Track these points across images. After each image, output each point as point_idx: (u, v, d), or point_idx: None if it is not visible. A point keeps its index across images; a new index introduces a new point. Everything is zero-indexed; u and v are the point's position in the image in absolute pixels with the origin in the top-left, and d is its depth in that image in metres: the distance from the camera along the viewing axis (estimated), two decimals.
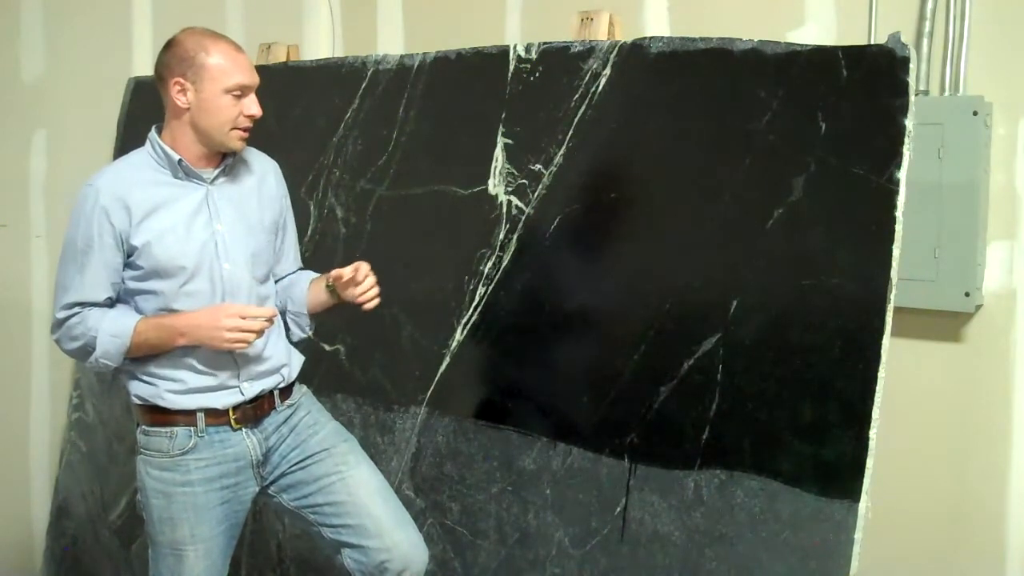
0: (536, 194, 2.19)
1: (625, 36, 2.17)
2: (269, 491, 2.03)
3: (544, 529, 2.11)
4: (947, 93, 2.20)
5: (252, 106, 1.90)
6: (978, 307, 2.19)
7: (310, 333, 2.13)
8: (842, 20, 2.32)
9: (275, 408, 2.01)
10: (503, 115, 2.26)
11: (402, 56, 2.49)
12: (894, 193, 1.69)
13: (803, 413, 1.77)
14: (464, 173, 2.31)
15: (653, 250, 2.01)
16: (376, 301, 2.03)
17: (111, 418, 2.95)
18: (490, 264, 2.24)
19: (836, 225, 1.77)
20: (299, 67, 2.74)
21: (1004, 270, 2.18)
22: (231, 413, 1.94)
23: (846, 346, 1.72)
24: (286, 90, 2.67)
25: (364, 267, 2.00)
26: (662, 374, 1.94)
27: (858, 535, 1.67)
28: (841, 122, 1.77)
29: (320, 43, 3.27)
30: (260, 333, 1.89)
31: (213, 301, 1.91)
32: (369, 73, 2.54)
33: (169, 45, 1.92)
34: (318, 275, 2.12)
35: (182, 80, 1.88)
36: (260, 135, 2.03)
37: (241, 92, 1.89)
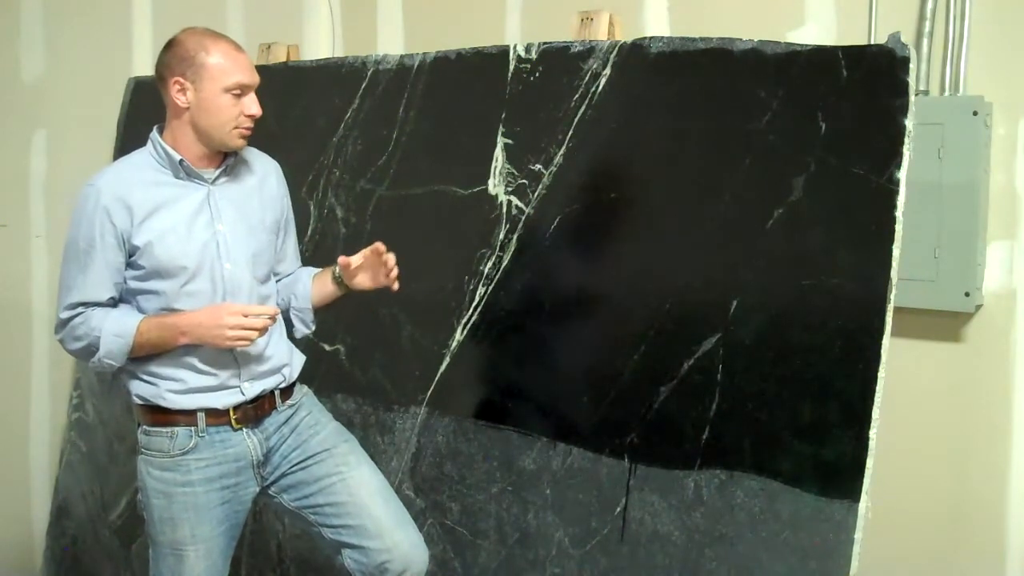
0: (536, 194, 2.19)
1: (625, 36, 2.17)
2: (270, 491, 2.03)
3: (544, 529, 2.11)
4: (947, 93, 2.20)
5: (252, 105, 1.91)
6: (978, 307, 2.19)
7: (314, 328, 2.12)
8: (842, 20, 2.32)
9: (276, 408, 2.01)
10: (503, 115, 2.26)
11: (402, 56, 2.49)
12: (894, 193, 1.69)
13: (803, 413, 1.77)
14: (464, 173, 2.31)
15: (653, 250, 2.01)
16: (397, 284, 2.03)
17: (111, 418, 2.95)
18: (490, 264, 2.24)
19: (836, 225, 1.77)
20: (299, 67, 2.74)
21: (1004, 270, 2.18)
22: (232, 413, 1.95)
23: (846, 346, 1.72)
24: (286, 90, 2.67)
25: (381, 246, 2.00)
26: (662, 374, 1.94)
27: (858, 535, 1.67)
28: (841, 122, 1.77)
29: (320, 43, 3.27)
30: (262, 332, 1.89)
31: (214, 301, 1.91)
32: (369, 73, 2.54)
33: (170, 45, 1.93)
34: (319, 270, 2.12)
35: (182, 80, 1.88)
36: (260, 135, 2.03)
37: (241, 91, 1.89)
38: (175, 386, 1.92)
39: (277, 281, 2.13)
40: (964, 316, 2.21)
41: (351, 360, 2.48)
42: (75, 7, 3.06)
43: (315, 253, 2.52)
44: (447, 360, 2.30)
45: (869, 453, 1.68)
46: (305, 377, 2.11)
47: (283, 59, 2.84)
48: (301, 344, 2.15)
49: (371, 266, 2.03)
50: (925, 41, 2.22)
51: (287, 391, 2.04)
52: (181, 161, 1.91)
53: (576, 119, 2.14)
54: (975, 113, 2.11)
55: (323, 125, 2.60)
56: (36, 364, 3.15)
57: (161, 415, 1.93)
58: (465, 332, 2.27)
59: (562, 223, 2.15)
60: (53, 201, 3.09)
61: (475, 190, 2.29)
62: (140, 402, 1.95)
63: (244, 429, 1.96)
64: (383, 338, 2.41)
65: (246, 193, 2.00)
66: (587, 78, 2.13)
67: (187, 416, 1.92)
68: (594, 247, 2.11)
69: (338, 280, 2.06)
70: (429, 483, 2.31)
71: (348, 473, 2.01)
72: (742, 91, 1.89)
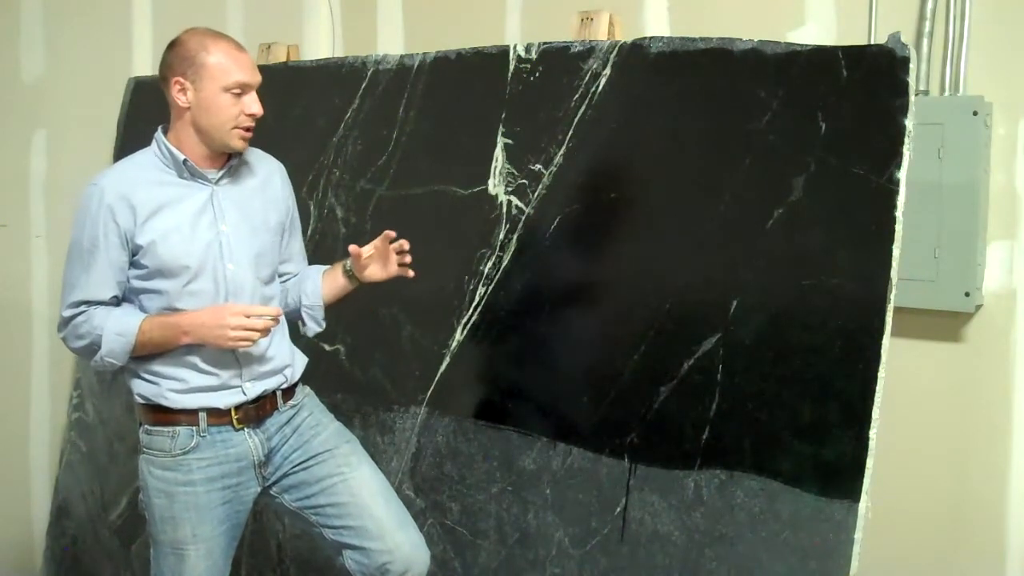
0: (536, 194, 2.19)
1: (625, 36, 2.17)
2: (271, 492, 2.03)
3: (544, 529, 2.11)
4: (947, 93, 2.20)
5: (253, 105, 1.91)
6: (978, 307, 2.19)
7: (324, 326, 2.12)
8: (842, 20, 2.32)
9: (278, 409, 2.01)
10: (503, 115, 2.26)
11: (402, 56, 2.49)
12: (894, 193, 1.69)
13: (803, 413, 1.77)
14: (464, 173, 2.31)
15: (653, 250, 2.01)
16: (411, 272, 2.04)
17: (111, 418, 2.95)
18: (490, 264, 2.24)
19: (836, 225, 1.77)
20: (299, 67, 2.74)
21: (1004, 270, 2.18)
22: (233, 413, 1.95)
23: (846, 346, 1.72)
24: (286, 90, 2.67)
25: (391, 233, 2.01)
26: (662, 374, 1.94)
27: (858, 535, 1.67)
28: (841, 122, 1.77)
29: (320, 43, 3.27)
30: (265, 332, 1.90)
31: (216, 301, 1.92)
32: (369, 73, 2.54)
33: (172, 45, 1.93)
34: (328, 267, 2.12)
35: (182, 79, 1.89)
36: (260, 135, 2.03)
37: (241, 91, 1.89)
38: (177, 385, 1.92)
39: (285, 281, 2.13)
40: (964, 316, 2.21)
41: (351, 360, 2.48)
42: (75, 7, 3.06)
43: (315, 253, 2.51)
44: (447, 360, 2.30)
45: (869, 453, 1.68)
46: (305, 377, 2.11)
47: (283, 59, 2.84)
48: (301, 344, 2.15)
49: (381, 256, 2.03)
50: (925, 41, 2.22)
51: (289, 392, 2.04)
52: (185, 161, 1.92)
53: (576, 119, 2.14)
54: (975, 113, 2.11)
55: (323, 125, 2.60)
56: (36, 364, 3.16)
57: (163, 414, 1.93)
58: (465, 332, 2.27)
59: (562, 223, 2.15)
60: (53, 201, 3.09)
61: (475, 190, 2.29)
62: (142, 401, 1.96)
63: (246, 429, 1.96)
64: (383, 338, 2.41)
65: (250, 194, 2.00)
66: (587, 78, 2.13)
67: (189, 416, 1.92)
68: (594, 247, 2.11)
69: (349, 273, 2.06)
70: (429, 483, 2.31)
71: (350, 474, 2.01)
72: (742, 91, 1.89)
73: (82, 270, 1.90)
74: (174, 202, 1.91)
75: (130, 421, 2.88)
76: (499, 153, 2.26)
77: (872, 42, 2.18)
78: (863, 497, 1.67)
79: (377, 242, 2.02)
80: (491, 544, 2.20)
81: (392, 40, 3.11)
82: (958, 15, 2.18)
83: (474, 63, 2.34)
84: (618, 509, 1.99)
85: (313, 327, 2.11)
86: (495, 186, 2.26)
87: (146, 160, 1.95)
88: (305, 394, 2.09)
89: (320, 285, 2.09)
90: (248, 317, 1.87)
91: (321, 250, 2.53)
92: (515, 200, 2.22)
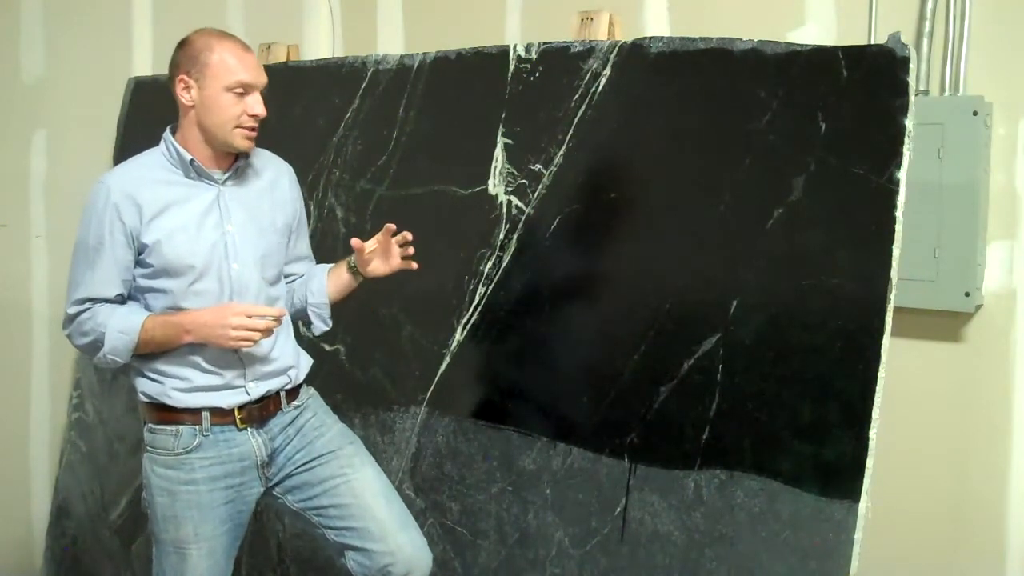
0: (536, 194, 2.19)
1: (625, 36, 2.17)
2: (274, 492, 2.04)
3: (544, 529, 2.11)
4: (947, 93, 2.20)
5: (256, 105, 1.91)
6: (978, 307, 2.19)
7: (331, 325, 2.12)
8: (842, 20, 2.32)
9: (281, 409, 2.01)
10: (503, 115, 2.26)
11: (402, 56, 2.49)
12: (894, 193, 1.69)
13: (803, 413, 1.77)
14: (464, 173, 2.31)
15: (653, 250, 2.01)
16: (414, 265, 2.05)
17: (111, 418, 2.95)
18: (490, 264, 2.24)
19: (836, 225, 1.76)
20: (299, 67, 2.74)
21: (1004, 270, 2.18)
22: (236, 413, 1.95)
23: (846, 346, 1.72)
24: (286, 90, 2.67)
25: (392, 226, 2.02)
26: (662, 374, 1.94)
27: (858, 535, 1.67)
28: (841, 122, 1.77)
29: (320, 43, 3.27)
30: (268, 333, 1.90)
31: (221, 301, 1.92)
32: (369, 73, 2.54)
33: (180, 44, 1.94)
34: (333, 264, 2.12)
35: (186, 78, 1.90)
36: (261, 135, 2.03)
37: (244, 90, 1.89)
38: (180, 384, 1.92)
39: (292, 281, 2.14)
40: (964, 316, 2.21)
41: (351, 360, 2.48)
42: (75, 7, 3.06)
43: (315, 253, 2.50)
44: (447, 360, 2.30)
45: (869, 453, 1.68)
46: (306, 377, 2.11)
47: (283, 59, 2.84)
48: (303, 344, 2.15)
49: (384, 250, 2.04)
50: (925, 41, 2.22)
51: (293, 392, 2.04)
52: (192, 161, 1.92)
53: (576, 119, 2.14)
54: (975, 113, 2.11)
55: (323, 125, 2.60)
56: (36, 364, 3.15)
57: (166, 413, 1.94)
58: (465, 332, 2.27)
59: (562, 223, 2.15)
60: (53, 201, 3.09)
61: (475, 190, 2.29)
62: (146, 400, 1.96)
63: (249, 429, 1.96)
64: (383, 338, 2.41)
65: (257, 194, 2.01)
66: (587, 78, 2.13)
67: (192, 415, 1.93)
68: (594, 247, 2.11)
69: (353, 269, 2.07)
70: (429, 483, 2.31)
71: (353, 475, 2.01)
72: (742, 91, 1.89)
73: (87, 268, 1.91)
74: (180, 202, 1.92)
75: (130, 421, 2.88)
76: (499, 153, 2.26)
77: (872, 42, 2.18)
78: (863, 497, 1.67)
79: (379, 236, 2.02)
80: (491, 544, 2.20)
81: (392, 40, 3.11)
82: (958, 15, 2.18)
83: (474, 63, 2.34)
84: (618, 509, 1.99)
85: (320, 325, 2.11)
86: (495, 186, 2.26)
87: (153, 159, 1.96)
88: (309, 395, 2.09)
89: (326, 283, 2.09)
90: (250, 317, 1.87)
91: (321, 250, 2.52)
92: (515, 200, 2.22)
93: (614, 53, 2.10)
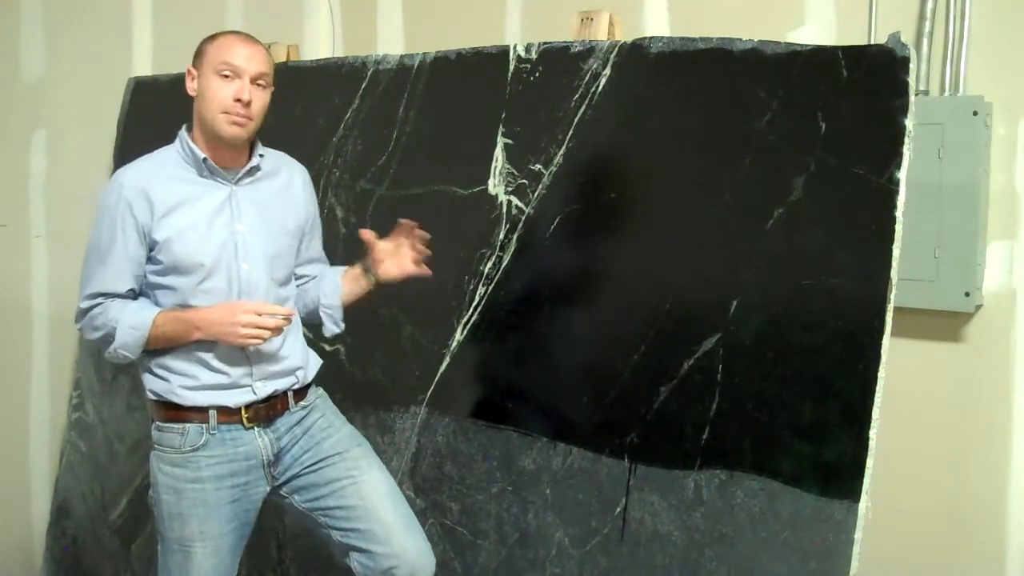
0: (536, 194, 2.19)
1: (625, 36, 2.17)
2: (281, 492, 2.04)
3: (544, 529, 2.11)
4: (947, 93, 2.20)
5: (242, 91, 1.90)
6: (978, 307, 2.19)
7: (343, 327, 2.12)
8: (842, 20, 2.33)
9: (288, 409, 2.02)
10: (503, 115, 2.26)
11: (402, 56, 2.49)
12: (894, 193, 1.69)
13: (803, 413, 1.77)
14: (464, 173, 2.31)
15: (653, 250, 2.01)
16: (428, 270, 2.06)
17: (111, 418, 2.95)
18: (490, 264, 2.24)
19: (836, 225, 1.76)
20: (299, 67, 2.74)
21: (1004, 270, 2.18)
22: (243, 412, 1.96)
23: (846, 346, 1.72)
24: (286, 90, 2.66)
25: (407, 223, 2.03)
26: (662, 374, 1.94)
27: (858, 535, 1.67)
28: (841, 122, 1.77)
29: (320, 43, 3.27)
30: (277, 332, 1.90)
31: (230, 300, 1.93)
32: (369, 73, 2.54)
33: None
34: (347, 267, 2.13)
35: (192, 69, 1.95)
36: (261, 135, 2.03)
37: (230, 73, 1.90)
38: (187, 382, 1.93)
39: (304, 283, 2.14)
40: (964, 316, 2.21)
41: (351, 360, 2.48)
42: (75, 7, 3.06)
43: None
44: (447, 360, 2.30)
45: (869, 453, 1.68)
46: (314, 378, 2.11)
47: (283, 59, 2.84)
48: (312, 328, 2.15)
49: (395, 252, 2.05)
50: (925, 41, 2.22)
51: (300, 392, 2.05)
52: (204, 159, 1.94)
53: (576, 119, 2.14)
54: (975, 113, 2.11)
55: (323, 125, 2.60)
56: (36, 364, 3.16)
57: (173, 411, 1.94)
58: (465, 332, 2.27)
59: (562, 223, 2.15)
60: (53, 201, 3.09)
61: (475, 190, 2.29)
62: (153, 398, 1.97)
63: (255, 428, 1.97)
64: (383, 338, 2.41)
65: (269, 195, 2.02)
66: (587, 78, 2.13)
67: (199, 413, 1.94)
68: (594, 247, 2.11)
69: (367, 271, 2.07)
70: (429, 483, 2.31)
71: (359, 477, 2.02)
72: (742, 91, 1.89)
73: (99, 263, 1.92)
74: (192, 200, 1.93)
75: (130, 421, 2.88)
76: (499, 153, 2.26)
77: (872, 42, 2.18)
78: (863, 497, 1.67)
79: (393, 235, 2.03)
80: (491, 544, 2.20)
81: (392, 40, 3.11)
82: (958, 15, 2.18)
83: (474, 63, 2.34)
84: (618, 509, 1.99)
85: (331, 327, 2.11)
86: (495, 186, 2.26)
87: (168, 157, 1.97)
88: (317, 395, 2.10)
89: (339, 285, 2.10)
90: (260, 315, 1.88)
91: None
92: (515, 200, 2.22)
93: (614, 53, 2.10)
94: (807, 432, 1.76)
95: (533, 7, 2.80)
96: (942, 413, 2.25)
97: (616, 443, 2.00)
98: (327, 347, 2.50)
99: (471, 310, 2.25)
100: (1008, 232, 2.18)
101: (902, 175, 1.69)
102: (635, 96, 2.07)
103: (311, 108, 2.64)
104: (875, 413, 1.68)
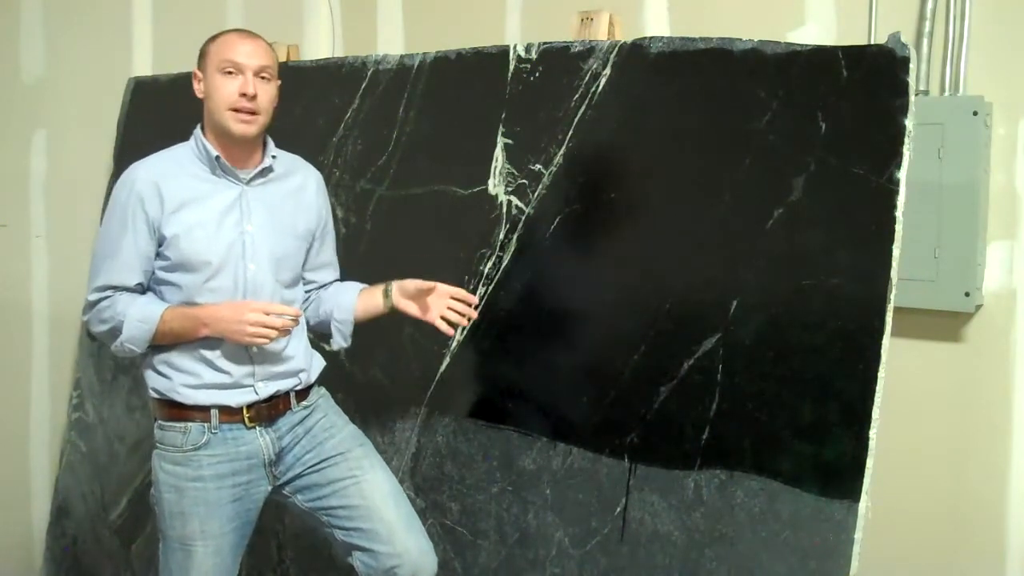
0: (536, 194, 2.19)
1: (625, 36, 2.17)
2: (283, 491, 2.04)
3: (544, 529, 2.11)
4: (947, 93, 2.20)
5: (245, 85, 1.91)
6: (978, 307, 2.19)
7: (350, 343, 2.13)
8: (842, 20, 2.33)
9: (290, 409, 2.02)
10: (503, 115, 2.26)
11: (402, 56, 2.49)
12: (894, 193, 1.69)
13: (803, 413, 1.77)
14: (464, 173, 2.31)
15: (653, 250, 2.01)
16: (451, 330, 2.04)
17: (111, 418, 2.95)
18: (490, 264, 2.24)
19: (836, 225, 1.76)
20: (299, 67, 2.74)
21: (1004, 270, 2.18)
22: (245, 411, 1.96)
23: (846, 346, 1.72)
24: (286, 90, 2.66)
25: (472, 299, 2.03)
26: (662, 374, 1.94)
27: (858, 535, 1.67)
28: (841, 122, 1.77)
29: (320, 43, 3.27)
30: (284, 332, 1.91)
31: (235, 299, 1.94)
32: (369, 73, 2.54)
33: None
34: (366, 285, 2.13)
35: (198, 71, 1.97)
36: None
37: (233, 69, 1.91)
38: (189, 380, 1.93)
39: (314, 289, 2.15)
40: (964, 316, 2.21)
41: (351, 360, 2.48)
42: (75, 7, 3.06)
43: None
44: (447, 360, 2.30)
45: (869, 453, 1.68)
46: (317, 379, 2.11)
47: (283, 59, 2.84)
48: (319, 337, 2.15)
49: (434, 298, 2.03)
50: (925, 41, 2.22)
51: (303, 393, 2.05)
52: (217, 158, 1.95)
53: (576, 119, 2.14)
54: (975, 113, 2.11)
55: (323, 125, 2.60)
56: (36, 364, 3.15)
57: (175, 410, 1.95)
58: (465, 332, 2.27)
59: (562, 223, 2.15)
60: (53, 201, 3.09)
61: (475, 190, 2.29)
62: (156, 396, 1.98)
63: (257, 427, 1.97)
64: (383, 338, 2.41)
65: (281, 197, 2.02)
66: (587, 78, 2.13)
67: (201, 412, 1.94)
68: (594, 247, 2.11)
69: (387, 296, 2.07)
70: (429, 483, 2.31)
71: (362, 477, 2.02)
72: (742, 91, 1.89)
73: (109, 255, 1.93)
74: (203, 198, 1.93)
75: (130, 421, 2.88)
76: (499, 153, 2.26)
77: (872, 42, 2.18)
78: (863, 497, 1.67)
79: (440, 286, 2.02)
80: (491, 544, 2.20)
81: (392, 40, 3.11)
82: (958, 15, 2.18)
83: (474, 63, 2.34)
84: (618, 509, 1.99)
85: (340, 341, 2.12)
86: (495, 186, 2.26)
87: (182, 154, 1.98)
88: (320, 395, 2.10)
89: (355, 302, 2.10)
90: (267, 315, 1.88)
91: None
92: (515, 200, 2.22)
93: (614, 53, 2.10)
94: (807, 432, 1.76)
95: (533, 7, 2.80)
96: (942, 413, 2.25)
97: (616, 443, 2.00)
98: (327, 347, 2.49)
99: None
100: (1008, 232, 2.18)
101: (902, 175, 1.69)
102: (635, 96, 2.07)
103: (311, 108, 2.64)
104: (875, 413, 1.68)
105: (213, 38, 1.97)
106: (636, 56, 2.07)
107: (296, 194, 2.06)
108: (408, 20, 3.08)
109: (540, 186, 2.18)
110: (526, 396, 2.18)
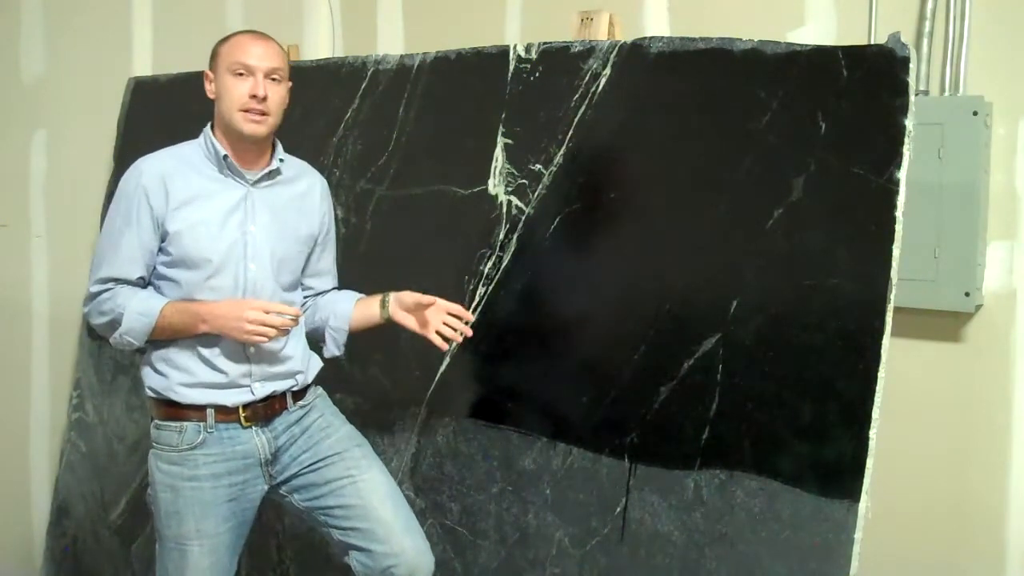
0: (536, 194, 2.19)
1: (625, 36, 2.17)
2: (280, 491, 2.05)
3: (544, 529, 2.11)
4: (947, 93, 2.21)
5: (256, 87, 1.92)
6: (978, 307, 2.19)
7: (343, 352, 2.14)
8: (842, 20, 2.33)
9: (287, 408, 2.02)
10: (503, 115, 2.26)
11: (402, 56, 2.49)
12: (894, 193, 1.69)
13: (803, 413, 1.77)
14: (464, 173, 2.31)
15: (653, 250, 2.01)
16: (446, 345, 2.06)
17: (111, 418, 2.95)
18: (490, 264, 2.24)
19: (836, 225, 1.76)
20: (299, 67, 2.73)
21: (1004, 270, 2.18)
22: (241, 411, 1.96)
23: (846, 346, 1.72)
24: None
25: (468, 316, 2.06)
26: (662, 374, 1.94)
27: (858, 535, 1.67)
28: (841, 122, 1.77)
29: (320, 43, 3.27)
30: (283, 332, 1.91)
31: (234, 298, 1.93)
32: (369, 73, 2.54)
33: None
34: (363, 295, 2.14)
35: (209, 72, 1.98)
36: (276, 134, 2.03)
37: (244, 71, 1.93)
38: (185, 379, 1.94)
39: (312, 295, 2.16)
40: (964, 316, 2.22)
41: (351, 360, 2.48)
42: (75, 7, 3.06)
43: None
44: (447, 360, 2.29)
45: (869, 453, 1.67)
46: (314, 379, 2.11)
47: None
48: (312, 344, 2.15)
49: (431, 312, 2.04)
50: (925, 41, 2.22)
51: (299, 393, 2.06)
52: (225, 157, 1.96)
53: (576, 119, 2.14)
54: (975, 113, 2.11)
55: (323, 125, 2.60)
56: (36, 364, 3.15)
57: (172, 409, 1.95)
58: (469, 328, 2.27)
59: (562, 223, 2.15)
60: (53, 201, 3.09)
61: (475, 190, 2.29)
62: (152, 395, 1.98)
63: (253, 427, 1.97)
64: (383, 338, 2.41)
65: (285, 201, 2.03)
66: (587, 78, 2.13)
67: (197, 411, 1.94)
68: (594, 247, 2.11)
69: (384, 306, 2.08)
70: (429, 483, 2.31)
71: (359, 476, 2.02)
72: (742, 91, 1.89)
73: (112, 247, 1.93)
74: (208, 195, 1.94)
75: (130, 421, 2.88)
76: (499, 153, 2.26)
77: (872, 42, 2.18)
78: (863, 497, 1.67)
79: (439, 301, 2.03)
80: (491, 544, 2.20)
81: (392, 40, 3.11)
82: (958, 15, 2.18)
83: (474, 63, 2.34)
84: (618, 509, 1.99)
85: (332, 349, 2.13)
86: (495, 186, 2.26)
87: (190, 151, 1.99)
88: (316, 395, 2.10)
89: (351, 311, 2.11)
90: (268, 313, 1.88)
91: None
92: (515, 200, 2.22)
93: (614, 53, 2.10)
94: (807, 432, 1.76)
95: (533, 7, 2.80)
96: (942, 413, 2.25)
97: (616, 443, 2.00)
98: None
99: (471, 310, 2.25)
100: (1008, 232, 2.18)
101: (902, 175, 1.69)
102: (635, 96, 2.07)
103: (311, 108, 2.64)
104: (875, 413, 1.68)
105: (225, 39, 1.98)
106: (636, 56, 2.07)
107: (301, 198, 2.07)
108: (408, 20, 3.08)
109: (540, 186, 2.18)
110: (526, 396, 2.18)
